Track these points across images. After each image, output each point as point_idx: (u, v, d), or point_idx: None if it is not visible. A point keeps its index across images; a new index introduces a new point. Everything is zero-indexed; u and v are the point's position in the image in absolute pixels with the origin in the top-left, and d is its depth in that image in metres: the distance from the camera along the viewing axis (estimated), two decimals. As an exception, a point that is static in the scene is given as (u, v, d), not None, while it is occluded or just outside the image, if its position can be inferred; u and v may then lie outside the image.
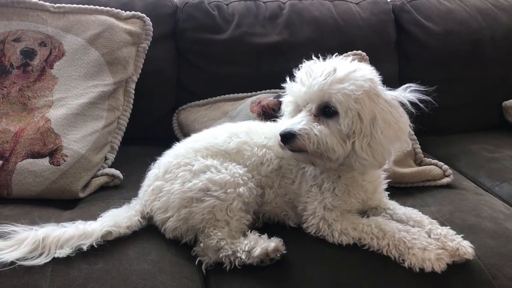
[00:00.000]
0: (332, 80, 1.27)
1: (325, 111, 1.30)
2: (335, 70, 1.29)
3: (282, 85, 1.45)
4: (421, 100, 1.35)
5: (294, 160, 1.39)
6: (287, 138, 1.28)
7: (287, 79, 1.42)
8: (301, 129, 1.27)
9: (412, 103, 1.36)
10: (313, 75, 1.31)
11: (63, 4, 1.88)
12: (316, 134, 1.27)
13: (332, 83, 1.27)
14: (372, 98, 1.29)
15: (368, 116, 1.27)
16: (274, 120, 1.65)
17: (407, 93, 1.37)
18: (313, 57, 1.40)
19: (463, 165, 2.07)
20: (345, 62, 1.35)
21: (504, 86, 2.43)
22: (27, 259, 1.20)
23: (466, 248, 1.31)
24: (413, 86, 1.37)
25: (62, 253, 1.23)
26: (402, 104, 1.35)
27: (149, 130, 2.13)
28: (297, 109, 1.39)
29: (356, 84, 1.27)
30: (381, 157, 1.30)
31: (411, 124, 1.35)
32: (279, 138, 1.31)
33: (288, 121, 1.35)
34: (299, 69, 1.39)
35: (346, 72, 1.29)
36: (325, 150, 1.28)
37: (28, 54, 1.75)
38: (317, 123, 1.28)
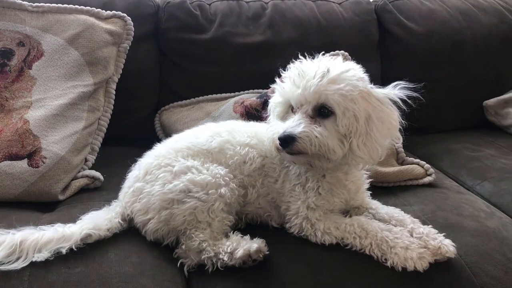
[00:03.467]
0: (327, 81, 1.27)
1: (321, 112, 1.30)
2: (328, 70, 1.29)
3: (271, 85, 1.44)
4: (409, 97, 1.37)
5: (292, 162, 1.39)
6: (287, 141, 1.27)
7: (276, 79, 1.41)
8: (302, 132, 1.26)
9: (401, 100, 1.37)
10: (306, 76, 1.29)
11: (41, 4, 1.84)
12: (316, 136, 1.26)
13: (328, 84, 1.27)
14: (365, 97, 1.30)
15: (363, 115, 1.28)
16: (257, 120, 1.65)
17: (396, 90, 1.38)
18: (300, 56, 1.39)
19: (445, 164, 2.09)
20: (336, 62, 1.35)
21: (484, 86, 2.46)
22: (3, 263, 1.18)
23: (448, 246, 1.32)
24: (402, 83, 1.38)
25: (40, 257, 1.21)
26: (394, 102, 1.36)
27: (131, 131, 2.11)
28: (287, 110, 1.39)
29: (351, 84, 1.28)
30: (376, 154, 1.32)
31: (402, 121, 1.36)
32: (277, 141, 1.29)
33: (283, 124, 1.32)
34: (287, 70, 1.38)
35: (339, 72, 1.30)
36: (326, 152, 1.28)
37: (6, 54, 1.72)
38: (315, 125, 1.28)
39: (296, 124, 1.28)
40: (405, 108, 1.37)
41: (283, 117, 1.39)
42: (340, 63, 1.34)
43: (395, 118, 1.34)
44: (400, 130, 1.36)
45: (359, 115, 1.28)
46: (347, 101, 1.27)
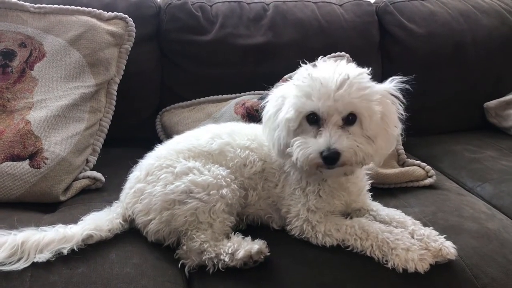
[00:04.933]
0: (355, 89, 1.27)
1: (348, 119, 1.29)
2: (348, 77, 1.27)
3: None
4: (403, 90, 1.40)
5: (329, 176, 1.36)
6: (335, 158, 1.24)
7: (291, 92, 1.34)
8: (347, 146, 1.24)
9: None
10: (328, 85, 1.26)
11: (43, 5, 1.85)
12: (358, 146, 1.26)
13: (355, 92, 1.27)
14: (383, 97, 1.34)
15: (381, 114, 1.31)
16: (258, 121, 1.64)
17: (393, 85, 1.40)
18: (302, 63, 1.39)
19: (445, 165, 2.09)
20: (349, 67, 1.34)
21: (485, 87, 2.46)
22: (5, 264, 1.18)
23: (448, 248, 1.32)
24: (397, 78, 1.40)
25: (41, 257, 1.21)
26: (394, 96, 1.39)
27: (132, 132, 2.11)
28: (300, 123, 1.32)
29: (371, 88, 1.30)
30: (392, 147, 1.38)
31: (403, 113, 1.40)
32: (319, 160, 1.25)
33: (320, 140, 1.25)
34: (294, 78, 1.36)
35: (358, 77, 1.29)
36: (366, 158, 1.28)
37: (8, 55, 1.72)
38: (348, 134, 1.27)
39: (336, 139, 1.25)
40: (404, 101, 1.40)
41: (296, 131, 1.32)
42: (352, 68, 1.34)
43: (398, 110, 1.38)
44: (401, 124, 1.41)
45: (381, 115, 1.31)
46: (373, 105, 1.29)
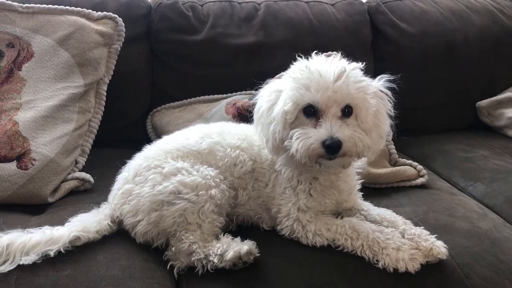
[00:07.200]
0: (353, 81, 1.28)
1: (345, 111, 1.30)
2: (345, 69, 1.29)
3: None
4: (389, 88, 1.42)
5: (327, 168, 1.35)
6: (338, 147, 1.24)
7: (288, 85, 1.33)
8: (347, 136, 1.25)
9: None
10: (327, 77, 1.27)
11: (32, 4, 1.83)
12: (358, 137, 1.27)
13: (353, 84, 1.28)
14: (376, 92, 1.36)
15: (375, 108, 1.32)
16: (249, 122, 1.63)
17: (381, 83, 1.41)
18: (297, 57, 1.39)
19: (437, 165, 2.09)
20: (344, 61, 1.34)
21: (477, 87, 2.46)
22: (-10, 266, 1.17)
23: (439, 248, 1.31)
24: (385, 76, 1.41)
25: (27, 260, 1.20)
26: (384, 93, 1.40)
27: (123, 133, 2.09)
28: (296, 116, 1.31)
29: (367, 81, 1.32)
30: (383, 142, 1.39)
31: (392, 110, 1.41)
32: (320, 150, 1.24)
33: (321, 130, 1.25)
34: (290, 71, 1.35)
35: (352, 70, 1.31)
36: (365, 150, 1.29)
37: (-5, 55, 1.71)
38: (347, 125, 1.28)
39: (338, 129, 1.25)
40: (393, 99, 1.41)
41: (292, 124, 1.31)
42: (346, 62, 1.35)
43: (387, 107, 1.39)
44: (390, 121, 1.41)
45: (374, 108, 1.32)
46: (369, 98, 1.30)
